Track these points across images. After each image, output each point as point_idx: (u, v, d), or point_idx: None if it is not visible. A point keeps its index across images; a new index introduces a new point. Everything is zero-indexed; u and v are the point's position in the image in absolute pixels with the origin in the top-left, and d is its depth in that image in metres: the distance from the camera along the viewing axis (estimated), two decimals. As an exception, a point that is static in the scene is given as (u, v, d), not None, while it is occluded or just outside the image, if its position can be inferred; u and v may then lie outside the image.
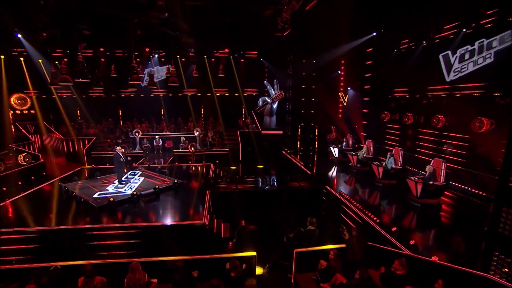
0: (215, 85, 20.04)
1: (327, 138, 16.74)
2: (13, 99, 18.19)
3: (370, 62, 14.49)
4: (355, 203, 8.88)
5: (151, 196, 9.73)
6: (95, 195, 9.45)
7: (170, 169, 13.75)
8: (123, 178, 10.97)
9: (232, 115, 20.05)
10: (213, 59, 19.60)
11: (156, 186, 9.98)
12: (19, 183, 11.93)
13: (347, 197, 9.42)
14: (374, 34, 13.40)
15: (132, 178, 11.49)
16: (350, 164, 13.12)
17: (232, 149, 17.57)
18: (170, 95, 20.21)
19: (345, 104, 16.75)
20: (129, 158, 13.47)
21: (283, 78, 18.68)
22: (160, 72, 19.96)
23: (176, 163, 15.42)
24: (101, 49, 17.12)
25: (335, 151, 15.02)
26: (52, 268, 5.51)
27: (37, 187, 10.84)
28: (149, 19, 9.21)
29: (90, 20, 9.97)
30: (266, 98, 18.36)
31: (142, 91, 19.72)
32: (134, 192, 9.40)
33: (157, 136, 17.68)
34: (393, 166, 10.78)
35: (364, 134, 15.13)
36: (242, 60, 19.79)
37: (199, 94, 20.48)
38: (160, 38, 13.16)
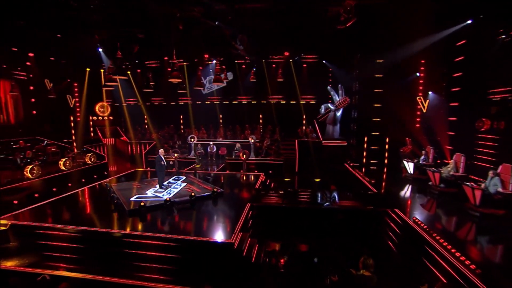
0: (273, 92, 18.70)
1: (400, 151, 13.72)
2: (97, 107, 19.81)
3: (461, 58, 11.32)
4: (437, 237, 6.27)
5: (185, 204, 8.67)
6: (132, 198, 8.82)
7: (218, 176, 12.71)
8: (164, 183, 10.26)
9: (292, 123, 18.32)
10: (274, 65, 18.35)
11: (193, 194, 8.89)
12: (83, 180, 12.30)
13: (424, 226, 6.82)
14: (469, 22, 10.38)
15: (175, 183, 10.72)
16: (430, 183, 10.14)
17: (288, 160, 15.82)
18: (226, 102, 19.57)
19: (424, 111, 13.57)
20: (171, 162, 12.89)
21: (348, 82, 16.31)
22: (211, 83, 19.64)
23: (227, 171, 14.36)
24: (165, 58, 17.42)
25: (409, 167, 12.04)
26: (40, 278, 4.64)
27: (87, 186, 10.81)
28: (193, 14, 8.41)
29: (141, 21, 9.66)
30: (329, 105, 16.19)
31: (199, 98, 19.58)
32: (167, 199, 8.45)
33: (211, 143, 17.06)
34: (500, 190, 7.63)
35: (450, 147, 11.79)
36: (304, 65, 18.08)
37: (253, 102, 19.42)
38: (215, 41, 12.47)
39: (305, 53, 17.29)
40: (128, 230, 6.87)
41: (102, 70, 18.75)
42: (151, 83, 17.03)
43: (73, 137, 15.92)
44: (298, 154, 15.63)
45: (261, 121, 19.49)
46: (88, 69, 17.55)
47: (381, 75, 14.53)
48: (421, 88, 14.00)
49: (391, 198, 9.29)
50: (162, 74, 18.20)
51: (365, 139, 15.00)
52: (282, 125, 18.48)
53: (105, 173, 14.08)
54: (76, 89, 18.80)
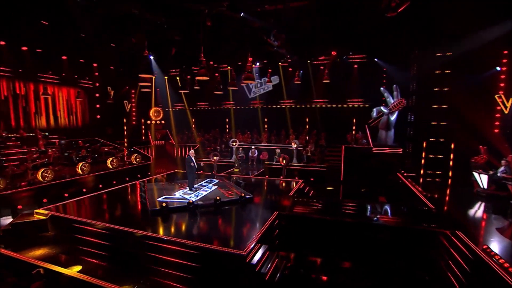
0: (319, 95, 17.40)
1: (471, 161, 11.23)
2: (151, 112, 20.86)
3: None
4: (518, 276, 4.48)
5: (209, 208, 8.06)
6: (160, 198, 8.57)
7: (254, 181, 11.95)
8: (195, 185, 9.85)
9: (339, 128, 16.73)
10: (321, 67, 17.06)
11: (218, 198, 8.24)
12: (127, 179, 12.69)
13: (500, 260, 5.00)
14: None
15: (206, 186, 10.26)
16: (512, 202, 7.83)
17: (333, 167, 14.35)
18: (271, 106, 18.85)
19: (506, 112, 10.94)
20: (201, 164, 12.48)
21: (404, 82, 14.20)
22: (263, 85, 19.03)
23: (267, 176, 13.51)
24: (211, 62, 17.47)
25: (482, 180, 9.68)
26: (35, 272, 4.39)
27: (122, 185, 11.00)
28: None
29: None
30: (382, 108, 14.31)
31: (244, 103, 19.19)
32: (190, 201, 7.94)
33: (252, 147, 16.41)
34: None
35: (542, 157, 9.13)
36: (355, 66, 16.43)
37: (298, 106, 18.30)
38: (248, 39, 11.86)
39: (354, 51, 15.68)
40: (139, 230, 6.46)
41: (166, 78, 19.72)
42: (195, 87, 17.25)
43: (125, 139, 16.81)
44: (344, 161, 14.05)
45: (307, 126, 18.26)
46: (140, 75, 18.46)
47: (445, 71, 12.23)
48: (502, 85, 11.34)
49: (453, 218, 7.38)
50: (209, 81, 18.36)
51: (423, 145, 12.72)
52: (328, 130, 17.02)
53: (149, 173, 14.37)
54: (133, 95, 20.06)
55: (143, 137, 19.29)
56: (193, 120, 20.90)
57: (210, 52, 13.68)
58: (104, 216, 7.61)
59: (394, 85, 13.70)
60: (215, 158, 14.64)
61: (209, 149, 17.02)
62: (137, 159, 14.33)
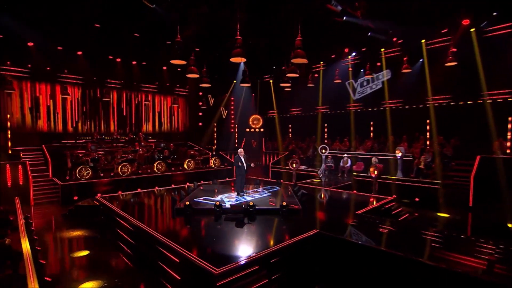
0: (440, 88, 13.36)
1: None
2: (251, 119, 21.69)
3: None
4: None
5: (238, 215, 7.05)
6: (199, 199, 8.29)
7: (325, 194, 10.07)
8: (247, 190, 9.13)
9: (476, 132, 12.23)
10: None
11: (251, 203, 7.14)
12: (201, 182, 13.26)
13: None
14: None
15: (261, 192, 9.39)
16: None
17: (456, 186, 10.52)
18: (369, 109, 16.13)
19: None
20: (252, 165, 11.30)
21: None
22: (370, 83, 16.39)
23: (355, 191, 11.20)
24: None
25: None
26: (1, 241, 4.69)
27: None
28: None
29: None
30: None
31: (340, 106, 17.21)
32: (217, 203, 7.19)
33: (345, 155, 14.11)
34: None
35: None
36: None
37: (403, 106, 14.67)
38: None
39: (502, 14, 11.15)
40: (146, 226, 6.13)
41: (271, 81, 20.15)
42: (286, 88, 16.59)
43: (215, 145, 17.90)
44: (475, 177, 10.00)
45: (427, 130, 14.35)
46: (234, 81, 19.45)
47: None
48: None
49: None
50: (298, 82, 17.44)
51: None
52: (461, 134, 12.71)
53: (227, 178, 14.56)
54: (232, 102, 21.36)
55: (236, 144, 20.01)
56: (290, 126, 20.25)
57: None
58: (133, 212, 7.82)
59: None
60: (294, 165, 13.42)
61: (295, 156, 15.81)
62: (216, 163, 14.80)
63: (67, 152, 11.52)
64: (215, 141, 19.06)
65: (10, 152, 11.72)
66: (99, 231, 7.59)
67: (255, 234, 6.04)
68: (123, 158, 12.55)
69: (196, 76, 9.94)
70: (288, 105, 19.76)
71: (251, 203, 7.19)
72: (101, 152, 12.92)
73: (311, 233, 5.81)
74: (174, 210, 7.40)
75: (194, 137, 18.91)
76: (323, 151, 14.68)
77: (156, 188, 10.73)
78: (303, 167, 14.81)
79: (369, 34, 11.15)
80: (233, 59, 7.80)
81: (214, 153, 16.05)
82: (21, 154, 11.24)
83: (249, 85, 12.70)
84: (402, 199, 10.94)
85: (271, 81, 19.48)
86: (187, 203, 7.29)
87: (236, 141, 20.49)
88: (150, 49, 13.93)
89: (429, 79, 13.71)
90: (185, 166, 13.71)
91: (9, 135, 12.31)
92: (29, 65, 13.35)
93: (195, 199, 8.31)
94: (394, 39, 13.69)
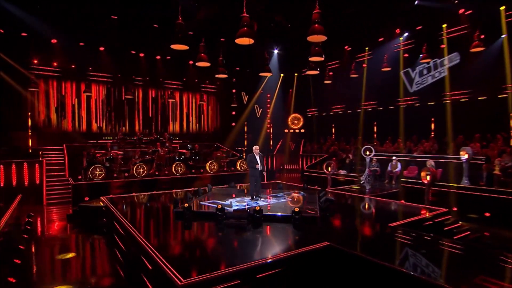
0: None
1: None
2: (290, 119, 21.32)
3: None
4: None
5: (240, 220, 6.72)
6: (204, 202, 8.24)
7: (358, 202, 9.26)
8: (263, 194, 8.79)
9: None
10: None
11: (257, 208, 6.76)
12: (225, 186, 13.22)
13: None
14: None
15: (280, 196, 8.98)
16: None
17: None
18: (428, 103, 14.55)
19: None
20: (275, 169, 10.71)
21: None
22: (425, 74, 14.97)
23: (402, 201, 10.17)
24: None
25: None
26: None
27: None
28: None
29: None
30: None
31: (390, 101, 15.86)
32: (219, 206, 6.94)
33: (394, 158, 12.92)
34: None
35: None
36: None
37: (476, 98, 12.99)
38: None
39: None
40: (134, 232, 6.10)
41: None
42: (325, 80, 15.93)
43: (246, 146, 17.82)
44: None
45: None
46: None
47: None
48: None
49: None
50: (340, 73, 16.66)
51: None
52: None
53: (280, 183, 14.30)
54: (268, 100, 21.12)
55: (271, 146, 19.67)
56: (333, 125, 19.36)
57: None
58: (130, 215, 7.91)
59: None
60: (329, 169, 12.70)
61: (334, 159, 14.97)
62: (243, 166, 14.64)
63: (84, 152, 12.22)
64: (245, 142, 18.94)
65: (30, 151, 12.84)
66: (96, 233, 7.81)
67: (251, 243, 5.67)
68: (141, 159, 12.99)
69: (207, 64, 9.88)
70: (329, 102, 18.96)
71: (257, 208, 6.80)
72: (120, 152, 13.52)
73: (319, 246, 5.23)
74: (174, 213, 7.31)
75: (224, 138, 19.03)
76: (367, 153, 13.68)
77: (174, 190, 10.91)
78: (342, 171, 13.94)
79: (416, 2, 9.99)
80: (238, 40, 7.53)
81: (243, 155, 15.91)
82: (41, 153, 12.23)
83: (270, 74, 12.34)
84: (467, 213, 9.65)
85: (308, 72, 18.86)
86: (186, 205, 7.15)
87: (271, 142, 20.13)
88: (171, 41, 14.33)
89: (509, 62, 12.06)
90: (207, 169, 13.76)
91: (29, 134, 13.49)
92: (55, 63, 14.61)
93: (201, 202, 8.19)
94: (461, 11, 12.20)
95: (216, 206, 7.47)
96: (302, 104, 20.07)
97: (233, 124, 20.04)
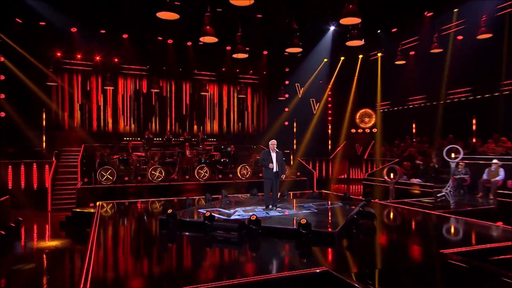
0: None
1: None
2: (358, 116, 20.09)
3: None
4: None
5: (230, 233, 6.14)
6: (202, 210, 7.80)
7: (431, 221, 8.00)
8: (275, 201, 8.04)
9: None
10: None
11: (252, 218, 6.11)
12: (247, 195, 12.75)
13: None
14: None
15: (306, 206, 8.26)
16: None
17: None
18: None
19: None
20: (283, 176, 9.55)
21: None
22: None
23: (500, 223, 8.46)
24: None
25: None
26: None
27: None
28: None
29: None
30: None
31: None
32: (207, 214, 6.43)
33: (495, 161, 10.89)
34: None
35: None
36: None
37: None
38: None
39: None
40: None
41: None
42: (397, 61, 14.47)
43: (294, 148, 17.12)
44: None
45: None
46: (325, 60, 18.19)
47: None
48: None
49: None
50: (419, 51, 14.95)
51: None
52: None
53: (315, 192, 13.52)
54: (329, 92, 20.01)
55: (329, 149, 18.88)
56: (414, 122, 17.57)
57: None
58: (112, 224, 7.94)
59: None
60: (391, 176, 11.33)
61: (407, 164, 13.29)
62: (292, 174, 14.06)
63: (96, 152, 12.75)
64: (294, 144, 18.14)
65: (44, 151, 13.83)
66: (83, 243, 7.81)
67: (235, 264, 5.26)
68: (161, 161, 13.13)
69: (214, 40, 9.48)
70: (405, 92, 17.31)
71: (252, 217, 6.09)
72: (140, 154, 13.85)
73: (311, 271, 4.40)
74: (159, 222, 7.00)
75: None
76: (452, 155, 11.88)
77: (185, 196, 10.75)
78: (416, 180, 12.26)
79: None
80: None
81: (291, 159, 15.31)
82: (55, 154, 13.07)
83: (299, 50, 11.44)
84: None
85: (379, 54, 17.34)
86: (170, 211, 6.76)
87: (330, 144, 19.28)
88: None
89: None
90: (238, 174, 13.40)
91: (44, 133, 14.58)
92: (78, 55, 15.70)
93: (198, 210, 7.78)
94: None
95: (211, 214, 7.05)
96: (369, 96, 18.73)
97: (286, 123, 19.40)
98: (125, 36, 15.33)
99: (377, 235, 6.64)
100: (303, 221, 5.83)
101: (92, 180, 11.90)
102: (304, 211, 7.70)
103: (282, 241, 6.00)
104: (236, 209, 7.99)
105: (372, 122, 19.68)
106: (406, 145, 16.29)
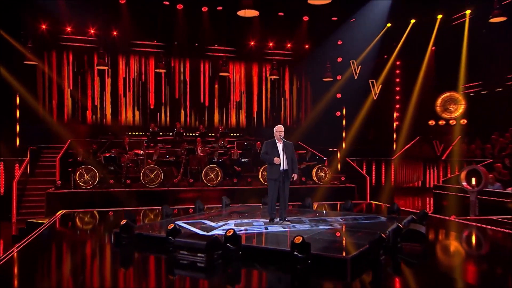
0: None
1: None
2: (439, 102, 18.95)
3: None
4: None
5: (196, 256, 5.44)
6: (181, 222, 7.72)
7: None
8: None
9: None
10: None
11: (229, 233, 5.44)
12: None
13: None
14: None
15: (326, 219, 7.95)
16: None
17: None
18: None
19: None
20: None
21: None
22: None
23: None
24: None
25: None
26: None
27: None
28: None
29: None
30: None
31: None
32: (170, 226, 6.10)
33: None
34: None
35: None
36: None
37: None
38: None
39: None
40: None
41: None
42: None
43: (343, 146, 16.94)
44: None
45: None
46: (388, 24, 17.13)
47: None
48: None
49: None
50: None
51: None
52: None
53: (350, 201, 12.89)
54: (398, 71, 19.01)
55: (394, 145, 18.36)
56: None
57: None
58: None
59: None
60: (472, 182, 10.50)
61: (498, 166, 12.11)
62: (324, 177, 13.43)
63: (79, 149, 12.65)
64: (343, 139, 17.44)
65: (17, 148, 13.91)
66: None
67: None
68: (160, 160, 13.04)
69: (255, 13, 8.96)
70: (504, 68, 16.70)
71: (228, 233, 5.33)
72: (139, 152, 13.61)
73: None
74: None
75: (316, 133, 18.05)
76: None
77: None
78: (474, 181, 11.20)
79: None
80: None
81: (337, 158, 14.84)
82: (29, 151, 13.04)
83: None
84: None
85: (467, 13, 16.05)
86: (124, 222, 6.28)
87: (394, 137, 18.36)
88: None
89: None
90: (260, 177, 12.95)
91: (17, 126, 14.64)
92: (68, 28, 15.75)
93: (176, 222, 7.18)
94: None
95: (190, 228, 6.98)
96: (450, 75, 17.70)
97: (338, 113, 18.91)
98: (122, 1, 15.16)
99: (425, 266, 5.67)
100: (298, 239, 4.92)
101: (72, 184, 11.81)
102: (321, 227, 7.07)
103: (268, 269, 5.31)
104: (228, 221, 7.64)
105: (460, 110, 18.57)
106: (505, 141, 15.41)
